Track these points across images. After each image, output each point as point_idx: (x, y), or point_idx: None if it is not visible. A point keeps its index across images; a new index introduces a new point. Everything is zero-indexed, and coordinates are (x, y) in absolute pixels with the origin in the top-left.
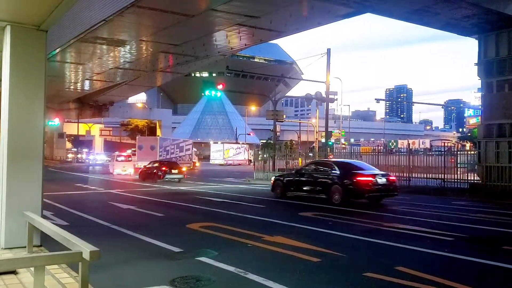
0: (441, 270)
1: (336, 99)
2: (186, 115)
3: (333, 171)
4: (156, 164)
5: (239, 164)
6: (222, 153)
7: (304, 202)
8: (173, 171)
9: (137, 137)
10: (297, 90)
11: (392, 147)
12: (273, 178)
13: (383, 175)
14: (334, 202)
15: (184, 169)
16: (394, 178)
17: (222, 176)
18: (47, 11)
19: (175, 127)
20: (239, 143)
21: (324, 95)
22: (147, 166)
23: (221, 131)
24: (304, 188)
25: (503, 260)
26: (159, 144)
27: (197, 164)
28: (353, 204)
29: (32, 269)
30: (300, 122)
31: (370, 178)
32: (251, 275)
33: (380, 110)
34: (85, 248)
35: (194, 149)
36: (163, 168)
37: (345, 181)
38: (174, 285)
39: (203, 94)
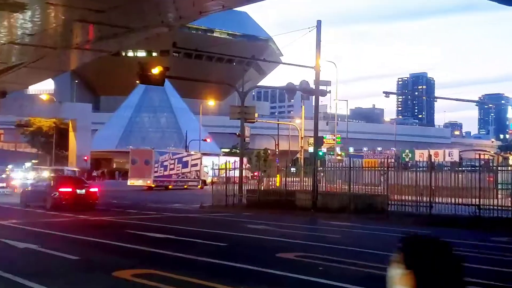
0: None
1: (329, 92)
2: (113, 112)
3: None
4: (50, 182)
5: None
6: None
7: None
8: (78, 191)
9: (130, 149)
10: (275, 78)
11: (407, 159)
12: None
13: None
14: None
15: (95, 189)
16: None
17: (165, 202)
18: None
19: (96, 130)
20: (189, 152)
21: (312, 85)
22: (35, 183)
23: (165, 135)
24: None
25: None
26: (154, 158)
27: (208, 181)
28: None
29: None
30: (278, 124)
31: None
32: None
33: (390, 108)
34: None
35: (206, 164)
36: (62, 189)
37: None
38: None
39: (138, 82)
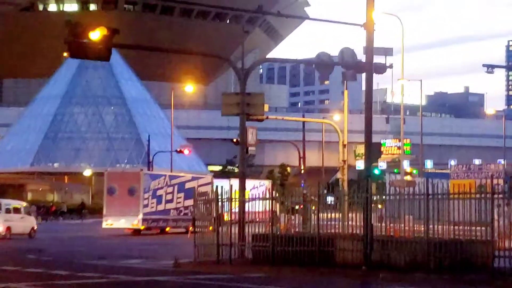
0: None
1: (391, 67)
2: (24, 105)
3: None
4: None
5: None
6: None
7: None
8: None
9: (105, 172)
10: (297, 47)
11: None
12: None
13: None
14: None
15: None
16: None
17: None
18: None
19: None
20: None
21: (361, 56)
22: None
23: (113, 144)
24: None
25: None
26: (143, 184)
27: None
28: None
29: None
30: (304, 122)
31: None
32: None
33: (495, 92)
34: None
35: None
36: None
37: None
38: None
39: (66, 55)
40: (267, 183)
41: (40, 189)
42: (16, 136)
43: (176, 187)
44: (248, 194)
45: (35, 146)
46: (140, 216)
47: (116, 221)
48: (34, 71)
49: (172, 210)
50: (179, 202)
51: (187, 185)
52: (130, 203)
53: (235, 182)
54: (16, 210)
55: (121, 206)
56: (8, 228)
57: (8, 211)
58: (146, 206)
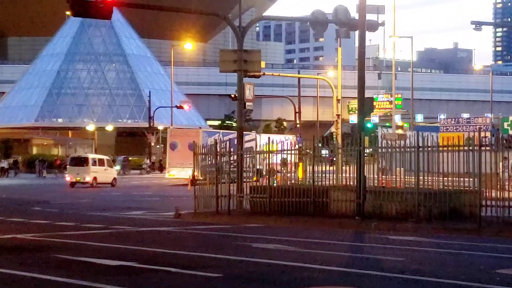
0: None
1: (383, 24)
2: (29, 63)
3: None
4: None
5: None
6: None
7: None
8: None
9: (168, 128)
10: (293, 5)
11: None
12: None
13: None
14: None
15: None
16: None
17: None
18: None
19: (3, 93)
20: (154, 128)
21: (354, 13)
22: None
23: (115, 100)
24: None
25: None
26: (201, 140)
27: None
28: None
29: None
30: (300, 78)
31: None
32: None
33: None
34: None
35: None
36: None
37: None
38: None
39: (68, 14)
40: (291, 137)
41: (45, 143)
42: (21, 92)
43: (228, 142)
44: (277, 146)
45: (40, 102)
46: (200, 168)
47: (179, 172)
48: (38, 29)
49: (225, 163)
50: (230, 156)
51: (246, 140)
52: (190, 157)
53: (264, 137)
54: (101, 163)
55: (182, 159)
56: (95, 178)
57: (94, 163)
58: (203, 159)
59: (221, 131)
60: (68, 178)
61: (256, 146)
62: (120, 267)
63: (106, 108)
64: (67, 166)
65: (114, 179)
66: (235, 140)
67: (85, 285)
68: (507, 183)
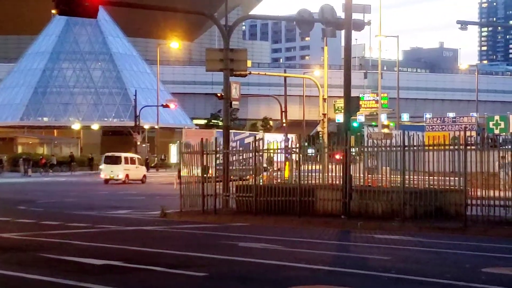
0: None
1: (369, 23)
2: (14, 62)
3: None
4: None
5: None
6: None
7: None
8: None
9: (183, 129)
10: (279, 4)
11: (497, 131)
12: None
13: None
14: None
15: None
16: None
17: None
18: None
19: None
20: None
21: (341, 13)
22: None
23: (100, 98)
24: None
25: None
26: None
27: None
28: None
29: None
30: (286, 77)
31: None
32: None
33: (469, 48)
34: None
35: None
36: None
37: None
38: None
39: (54, 12)
40: (293, 136)
41: (30, 142)
42: (6, 91)
43: (238, 142)
44: (278, 145)
45: (25, 100)
46: (214, 167)
47: (191, 171)
48: (23, 28)
49: (235, 163)
50: (241, 155)
51: (246, 141)
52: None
53: (270, 136)
54: (132, 161)
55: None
56: (127, 176)
57: (126, 162)
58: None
59: (233, 131)
60: (102, 175)
61: (263, 145)
62: (105, 266)
63: (92, 107)
64: (102, 164)
65: (144, 176)
66: (244, 140)
67: (70, 284)
68: (502, 183)
